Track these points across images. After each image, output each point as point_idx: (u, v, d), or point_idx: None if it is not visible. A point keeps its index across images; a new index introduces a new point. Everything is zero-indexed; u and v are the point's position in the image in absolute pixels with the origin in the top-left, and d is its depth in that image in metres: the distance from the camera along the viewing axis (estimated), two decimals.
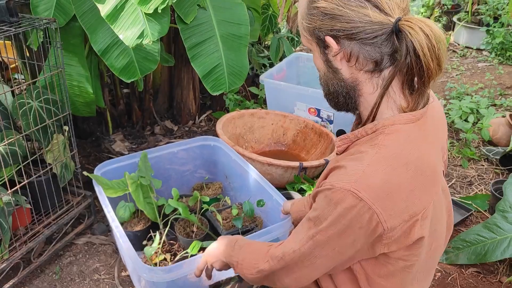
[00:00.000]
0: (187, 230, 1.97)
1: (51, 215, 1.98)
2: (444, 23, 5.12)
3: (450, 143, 2.98)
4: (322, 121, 2.80)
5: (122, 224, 2.04)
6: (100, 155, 2.76)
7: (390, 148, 0.91)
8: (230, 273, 1.67)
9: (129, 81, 1.93)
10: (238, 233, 1.89)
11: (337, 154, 1.05)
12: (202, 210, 2.00)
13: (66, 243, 2.07)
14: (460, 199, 2.45)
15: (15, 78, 2.46)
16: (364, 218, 0.86)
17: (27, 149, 1.79)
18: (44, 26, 1.71)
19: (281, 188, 2.46)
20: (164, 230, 1.95)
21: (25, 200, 1.85)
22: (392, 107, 0.95)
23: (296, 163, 2.28)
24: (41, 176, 1.89)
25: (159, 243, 1.89)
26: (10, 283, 1.80)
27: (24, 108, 1.76)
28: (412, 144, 0.93)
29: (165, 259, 1.90)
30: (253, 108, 3.06)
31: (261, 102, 3.30)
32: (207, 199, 2.05)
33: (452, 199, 2.38)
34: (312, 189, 2.27)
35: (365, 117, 0.98)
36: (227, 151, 2.14)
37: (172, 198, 2.00)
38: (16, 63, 2.45)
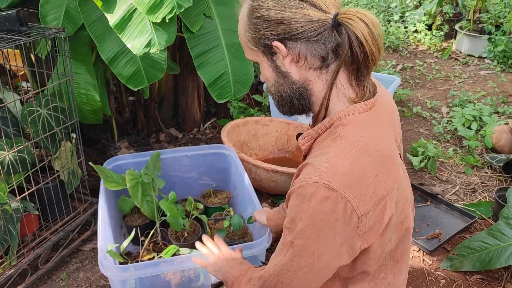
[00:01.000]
0: (177, 234, 1.99)
1: (58, 222, 1.99)
2: (446, 31, 5.15)
3: (453, 150, 2.99)
4: None
5: (124, 217, 2.09)
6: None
7: (350, 138, 0.95)
8: None
9: (136, 89, 1.95)
10: None
11: (303, 156, 1.08)
12: (193, 216, 2.02)
13: (72, 250, 2.08)
14: (464, 206, 2.47)
15: (22, 87, 2.49)
16: (339, 208, 0.88)
17: (35, 156, 1.81)
18: (53, 35, 1.74)
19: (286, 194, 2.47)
20: (157, 230, 1.97)
21: (33, 206, 1.87)
22: (343, 100, 1.00)
23: None
24: (49, 183, 1.91)
25: (148, 242, 1.93)
26: None
27: (33, 115, 1.78)
28: (368, 131, 0.98)
29: (154, 257, 1.92)
30: (257, 116, 3.08)
31: (264, 110, 3.32)
32: (201, 206, 2.07)
33: (456, 206, 2.40)
34: None
35: (320, 114, 1.02)
36: (237, 161, 2.16)
37: (177, 200, 2.03)
38: (24, 71, 2.48)
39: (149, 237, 1.94)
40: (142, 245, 2.02)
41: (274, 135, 2.89)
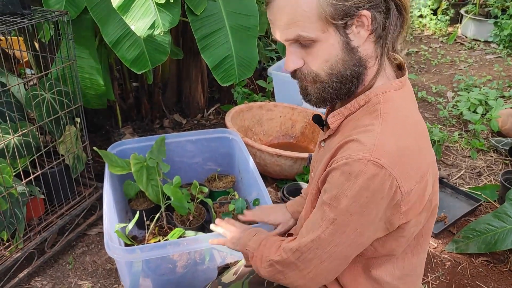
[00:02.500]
0: (183, 218, 2.00)
1: (64, 206, 2.00)
2: (451, 15, 5.10)
3: (458, 135, 2.97)
4: None
5: (129, 201, 2.09)
6: None
7: (392, 115, 0.92)
8: (239, 255, 1.69)
9: (139, 72, 1.94)
10: None
11: (329, 135, 1.03)
12: (198, 200, 2.02)
13: (78, 234, 2.09)
14: (469, 190, 2.46)
15: (26, 73, 2.48)
16: (386, 186, 0.86)
17: (39, 140, 1.81)
18: (56, 19, 1.73)
19: (291, 179, 2.47)
20: (163, 214, 1.98)
21: (39, 190, 1.87)
22: (382, 76, 0.97)
23: (305, 154, 2.29)
24: (54, 167, 1.91)
25: (154, 226, 1.94)
26: (25, 272, 1.83)
27: (37, 100, 1.78)
28: (406, 108, 0.96)
29: (159, 241, 1.93)
30: (261, 101, 3.07)
31: (269, 95, 3.31)
32: (206, 190, 2.07)
33: (462, 190, 2.39)
34: None
35: (357, 93, 0.98)
36: (242, 145, 2.16)
37: (182, 185, 2.03)
38: (28, 58, 2.47)
39: (154, 221, 1.94)
40: (148, 229, 2.03)
41: (278, 120, 2.88)
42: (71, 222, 2.07)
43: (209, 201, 1.98)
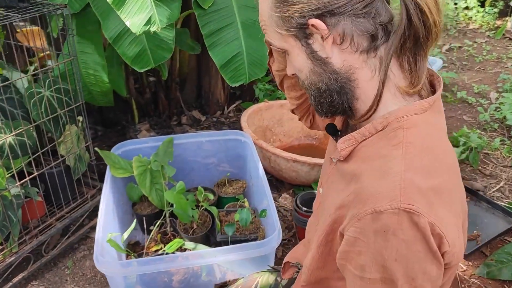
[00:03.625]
0: (186, 226, 1.88)
1: (64, 208, 1.92)
2: (500, 8, 4.71)
3: (500, 141, 2.70)
4: None
5: (134, 205, 2.00)
6: None
7: (417, 145, 0.74)
8: (240, 273, 1.56)
9: (142, 71, 1.83)
10: (228, 241, 1.76)
11: (339, 160, 0.86)
12: (203, 208, 1.89)
13: (81, 236, 2.02)
14: (508, 205, 2.20)
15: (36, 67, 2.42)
16: (428, 237, 0.68)
17: (36, 140, 1.73)
18: (54, 13, 1.63)
19: (307, 186, 2.30)
20: (167, 220, 1.87)
21: (37, 192, 1.79)
22: (395, 92, 0.79)
23: (323, 160, 2.11)
24: (53, 168, 1.83)
25: (156, 232, 1.84)
26: (19, 277, 1.76)
27: (34, 98, 1.69)
28: (434, 136, 0.78)
29: (161, 248, 1.82)
30: (283, 99, 2.90)
31: None
32: (212, 196, 1.94)
33: (499, 205, 2.15)
34: None
35: (364, 112, 0.81)
36: (253, 149, 2.01)
37: (190, 189, 1.91)
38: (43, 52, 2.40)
39: (155, 227, 1.83)
40: (150, 235, 1.93)
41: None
42: (75, 223, 1.99)
43: (213, 210, 1.84)
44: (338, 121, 1.00)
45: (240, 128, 2.86)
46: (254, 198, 2.06)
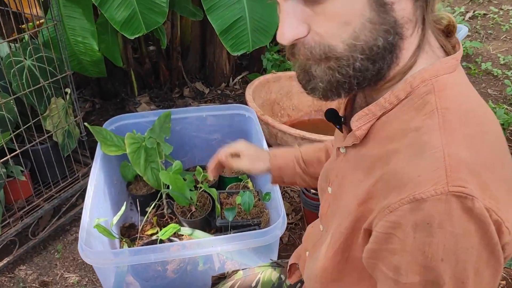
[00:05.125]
0: (184, 208, 1.73)
1: (52, 188, 1.78)
2: None
3: None
4: None
5: (128, 184, 1.85)
6: None
7: (455, 111, 0.58)
8: (240, 264, 1.41)
9: (132, 37, 1.64)
10: (228, 227, 1.61)
11: (353, 145, 0.68)
12: (202, 189, 1.72)
13: (73, 217, 1.88)
14: None
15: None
16: (486, 226, 0.52)
17: (17, 115, 1.57)
18: None
19: None
20: (163, 202, 1.72)
21: (21, 171, 1.65)
22: (426, 51, 0.61)
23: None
24: (37, 144, 1.67)
25: (152, 215, 1.69)
26: (4, 261, 1.64)
27: (14, 68, 1.52)
28: (472, 98, 0.62)
29: (157, 232, 1.68)
30: (293, 70, 2.70)
31: None
32: (211, 177, 1.77)
33: None
34: None
35: (388, 77, 0.62)
36: (258, 125, 1.83)
37: (189, 168, 1.75)
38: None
39: (150, 209, 1.68)
40: (145, 218, 1.79)
41: None
42: (66, 203, 1.85)
43: (213, 191, 1.68)
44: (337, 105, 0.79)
45: (246, 102, 2.68)
46: (258, 179, 1.90)
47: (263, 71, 2.87)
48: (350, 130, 0.68)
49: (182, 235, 1.62)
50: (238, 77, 2.85)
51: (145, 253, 1.29)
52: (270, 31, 1.70)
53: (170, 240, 1.57)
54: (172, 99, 2.69)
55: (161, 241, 1.50)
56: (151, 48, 2.70)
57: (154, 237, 1.60)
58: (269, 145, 1.74)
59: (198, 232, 1.55)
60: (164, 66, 2.62)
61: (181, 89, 2.73)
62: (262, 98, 2.37)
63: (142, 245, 1.56)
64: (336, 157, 0.76)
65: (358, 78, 0.59)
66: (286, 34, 0.58)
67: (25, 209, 1.67)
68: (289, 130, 1.95)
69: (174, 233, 1.54)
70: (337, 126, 0.76)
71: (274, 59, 2.82)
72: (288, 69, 2.80)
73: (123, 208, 1.52)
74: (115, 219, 1.50)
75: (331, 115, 0.77)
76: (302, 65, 0.64)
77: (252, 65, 2.90)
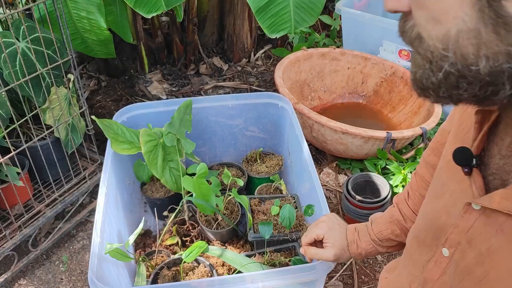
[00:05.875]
0: (208, 217, 1.48)
1: (55, 192, 1.52)
2: None
3: None
4: None
5: (143, 185, 1.60)
6: (133, 99, 2.26)
7: None
8: None
9: (149, 16, 1.34)
10: (264, 243, 1.37)
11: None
12: (230, 197, 1.47)
13: (80, 221, 1.64)
14: None
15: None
16: None
17: (10, 109, 1.30)
18: None
19: (356, 159, 1.86)
20: (184, 207, 1.48)
21: (17, 174, 1.39)
22: None
23: (382, 134, 1.65)
24: (36, 142, 1.41)
25: (171, 222, 1.45)
26: (1, 278, 1.41)
27: (4, 53, 1.23)
28: None
29: (177, 243, 1.44)
30: (324, 45, 2.39)
31: (334, 35, 2.60)
32: (241, 182, 1.52)
33: None
34: (402, 171, 1.65)
35: None
36: (294, 118, 1.56)
37: (213, 165, 1.48)
38: None
39: (170, 220, 1.43)
40: (163, 225, 1.55)
41: (345, 74, 2.21)
42: (73, 205, 1.61)
43: (243, 200, 1.43)
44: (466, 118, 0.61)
45: (270, 80, 2.38)
46: (293, 180, 1.64)
47: (288, 45, 2.56)
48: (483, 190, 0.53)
49: (206, 258, 1.38)
50: (260, 52, 2.54)
51: None
52: (316, 10, 1.39)
53: (196, 261, 1.34)
54: (186, 77, 2.39)
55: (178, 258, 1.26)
56: (164, 19, 2.38)
57: (176, 256, 1.35)
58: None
59: (228, 254, 1.31)
60: (178, 39, 2.31)
61: (197, 65, 2.43)
62: (291, 79, 2.08)
63: (162, 266, 1.32)
64: (462, 212, 0.57)
65: (449, 91, 0.44)
66: (389, 2, 0.47)
67: (23, 218, 1.42)
68: (328, 122, 1.68)
69: (201, 254, 1.30)
70: (465, 170, 0.56)
71: (301, 31, 2.50)
72: (317, 43, 2.49)
73: (140, 226, 1.27)
74: (132, 238, 1.26)
75: (461, 155, 0.56)
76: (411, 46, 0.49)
77: (275, 38, 2.57)
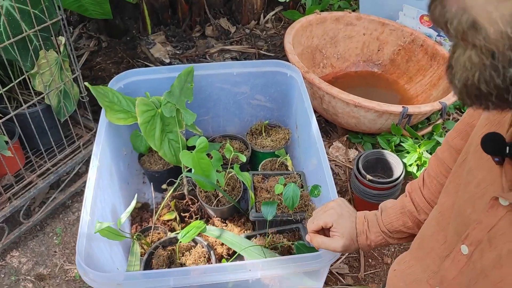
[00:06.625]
0: (208, 193, 1.40)
1: (47, 162, 1.44)
2: None
3: None
4: (439, 36, 1.95)
5: (140, 156, 1.52)
6: (134, 61, 2.14)
7: None
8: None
9: None
10: (265, 224, 1.29)
11: None
12: (231, 173, 1.38)
13: (75, 191, 1.57)
14: None
15: None
16: None
17: None
18: None
19: (368, 133, 1.75)
20: (184, 180, 1.39)
21: (6, 143, 1.30)
22: None
23: (398, 108, 1.53)
24: (25, 109, 1.31)
25: (169, 197, 1.37)
26: None
27: None
28: None
29: (175, 218, 1.37)
30: (339, 8, 2.22)
31: None
32: (244, 158, 1.41)
33: None
34: (417, 149, 1.54)
35: None
36: (302, 89, 1.45)
37: (215, 137, 1.39)
38: None
39: (169, 193, 1.35)
40: (164, 197, 1.48)
41: (360, 40, 2.06)
42: (68, 173, 1.53)
43: (246, 177, 1.34)
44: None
45: (280, 45, 2.24)
46: (300, 155, 1.54)
47: (300, 7, 2.40)
48: None
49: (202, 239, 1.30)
50: (271, 14, 2.39)
51: (164, 277, 0.98)
52: None
53: (194, 241, 1.26)
54: (191, 39, 2.26)
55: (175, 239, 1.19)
56: None
57: (172, 235, 1.28)
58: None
59: (227, 234, 1.23)
60: None
61: (203, 27, 2.29)
62: (302, 44, 1.94)
63: (157, 246, 1.25)
64: (487, 207, 0.50)
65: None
66: None
67: (13, 189, 1.35)
68: (340, 94, 1.56)
69: (198, 233, 1.22)
70: (496, 159, 0.49)
71: None
72: (332, 5, 2.32)
73: (133, 204, 1.20)
74: (124, 216, 1.18)
75: (491, 141, 0.48)
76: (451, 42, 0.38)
77: None
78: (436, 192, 0.78)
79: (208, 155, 1.41)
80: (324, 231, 0.92)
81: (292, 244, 1.23)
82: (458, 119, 1.97)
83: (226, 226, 1.42)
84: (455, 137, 0.73)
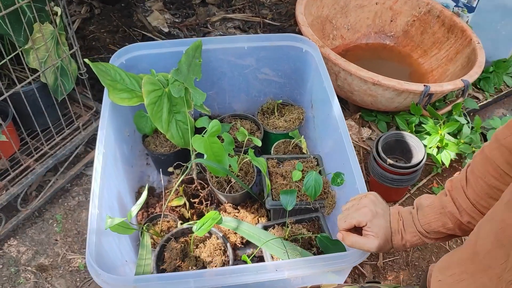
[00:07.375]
0: (219, 179, 1.31)
1: (45, 144, 1.33)
2: None
3: None
4: (457, 6, 1.84)
5: (145, 137, 1.42)
6: (130, 30, 2.00)
7: None
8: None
9: None
10: (282, 211, 1.22)
11: None
12: (245, 159, 1.30)
13: (75, 174, 1.47)
14: None
15: None
16: None
17: None
18: None
19: (384, 112, 1.67)
20: (193, 164, 1.31)
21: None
22: None
23: (419, 87, 1.44)
24: (18, 88, 1.19)
25: (178, 182, 1.29)
26: None
27: None
28: None
29: (185, 204, 1.29)
30: None
31: None
32: (259, 142, 1.32)
33: None
34: (439, 130, 1.46)
35: None
36: (321, 65, 1.34)
37: (224, 117, 1.29)
38: None
39: (179, 180, 1.26)
40: (170, 180, 1.39)
41: (372, 10, 1.94)
42: (66, 158, 1.42)
43: (261, 162, 1.25)
44: None
45: (286, 13, 2.11)
46: (315, 136, 1.45)
47: None
48: None
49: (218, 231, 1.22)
50: None
51: (180, 279, 0.90)
52: None
53: (208, 232, 1.18)
54: (191, 7, 2.11)
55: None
56: None
57: (185, 226, 1.19)
58: None
59: (244, 226, 1.15)
60: None
61: None
62: (312, 15, 1.82)
63: (169, 238, 1.17)
64: None
65: None
66: None
67: (9, 175, 1.24)
68: (358, 71, 1.46)
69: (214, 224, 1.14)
70: None
71: None
72: None
73: (144, 196, 1.10)
74: (135, 209, 1.09)
75: None
76: None
77: None
78: (481, 193, 0.71)
79: (219, 137, 1.32)
80: (356, 228, 0.86)
81: (313, 234, 1.16)
82: (476, 97, 1.89)
83: (238, 212, 1.35)
84: (508, 135, 0.65)
